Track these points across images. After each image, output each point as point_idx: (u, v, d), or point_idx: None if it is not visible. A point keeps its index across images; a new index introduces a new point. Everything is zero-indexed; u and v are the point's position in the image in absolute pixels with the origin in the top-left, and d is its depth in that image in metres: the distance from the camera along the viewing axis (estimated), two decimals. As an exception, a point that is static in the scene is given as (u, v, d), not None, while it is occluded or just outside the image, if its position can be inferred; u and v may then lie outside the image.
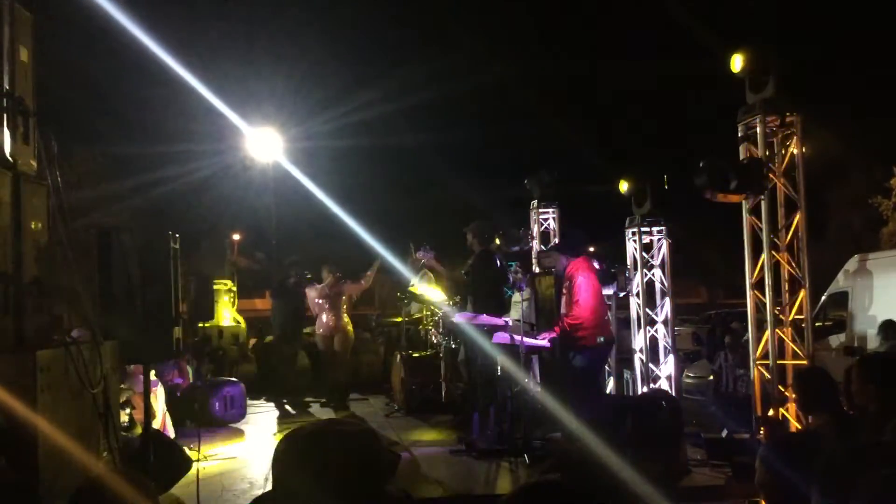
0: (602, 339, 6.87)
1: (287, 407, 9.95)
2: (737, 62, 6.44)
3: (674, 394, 8.16)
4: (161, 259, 4.90)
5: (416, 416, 8.96)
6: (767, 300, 6.40)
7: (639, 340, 8.88)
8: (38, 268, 4.03)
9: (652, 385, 8.54)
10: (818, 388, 3.86)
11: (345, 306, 10.29)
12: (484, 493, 5.70)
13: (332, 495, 1.62)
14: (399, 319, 10.39)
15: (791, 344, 6.41)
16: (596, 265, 7.50)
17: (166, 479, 5.19)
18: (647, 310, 8.77)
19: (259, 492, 4.62)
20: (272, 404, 10.10)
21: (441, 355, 9.38)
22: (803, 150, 6.50)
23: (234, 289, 16.65)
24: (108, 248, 4.78)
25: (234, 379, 9.61)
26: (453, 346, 8.72)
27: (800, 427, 5.87)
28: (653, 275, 8.90)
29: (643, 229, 8.77)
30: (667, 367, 8.78)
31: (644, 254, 8.85)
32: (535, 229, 11.19)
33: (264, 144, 13.16)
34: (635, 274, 8.93)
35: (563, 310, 7.05)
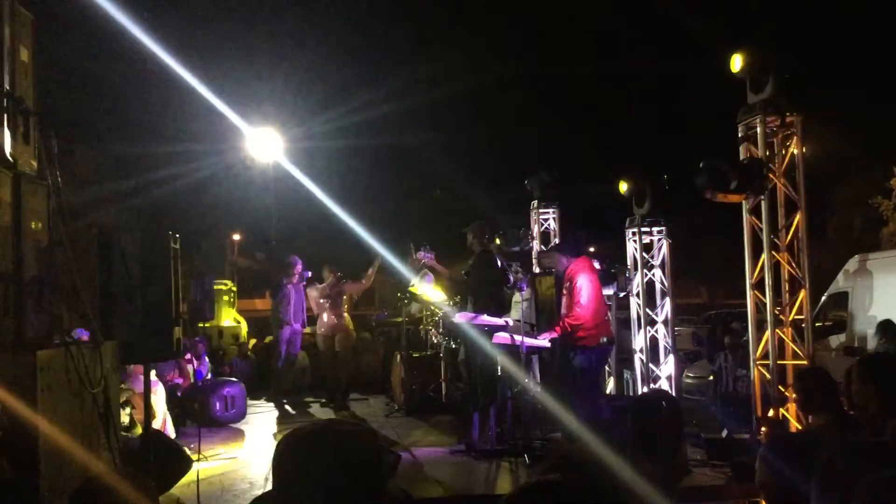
0: (604, 339, 6.88)
1: (287, 407, 9.96)
2: (736, 62, 6.45)
3: (674, 394, 8.17)
4: (161, 259, 4.90)
5: (416, 416, 8.96)
6: (767, 300, 6.40)
7: (639, 340, 8.88)
8: (38, 268, 4.03)
9: (652, 385, 8.54)
10: (818, 389, 3.86)
11: (346, 306, 10.31)
12: (484, 494, 5.70)
13: (332, 495, 1.63)
14: (399, 319, 10.39)
15: (791, 344, 6.41)
16: (596, 265, 7.50)
17: (166, 479, 5.20)
18: (648, 310, 8.77)
19: (259, 492, 4.61)
20: (272, 404, 10.10)
21: (441, 355, 9.38)
22: (803, 150, 6.50)
23: (234, 289, 16.67)
24: (108, 248, 4.79)
25: (234, 379, 9.63)
26: (453, 346, 8.72)
27: (800, 427, 5.88)
28: (653, 275, 8.90)
29: (643, 229, 8.77)
30: (667, 368, 8.78)
31: (644, 254, 8.85)
32: (536, 229, 11.19)
33: (264, 144, 13.18)
34: (635, 274, 8.93)
35: (563, 310, 7.05)
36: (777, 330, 6.39)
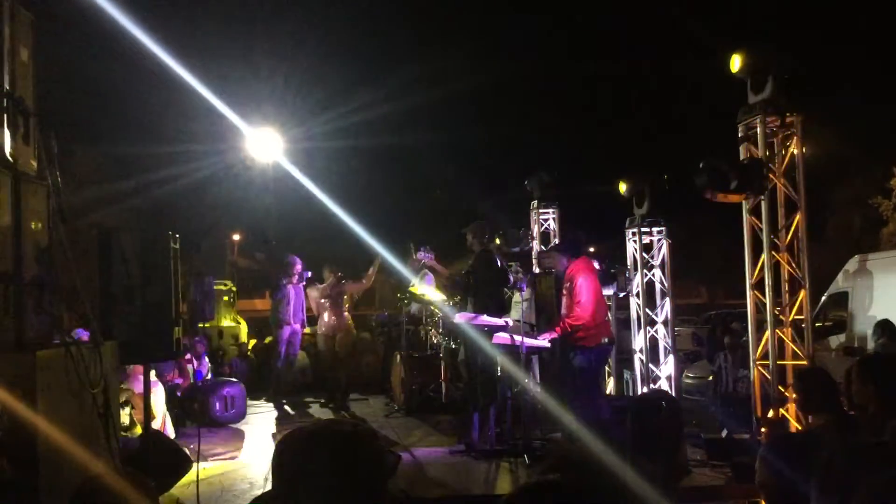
0: (604, 339, 6.88)
1: (287, 407, 9.96)
2: (736, 63, 6.45)
3: (674, 394, 8.16)
4: (161, 259, 4.90)
5: (415, 416, 8.96)
6: (767, 300, 6.40)
7: (639, 341, 8.88)
8: (38, 268, 4.02)
9: (652, 385, 8.54)
10: (818, 389, 3.86)
11: (346, 306, 10.30)
12: (483, 494, 5.70)
13: (331, 496, 1.63)
14: (402, 305, 10.33)
15: (791, 344, 6.41)
16: (596, 265, 7.50)
17: (166, 479, 5.19)
18: (647, 310, 8.77)
19: (259, 492, 4.61)
20: (272, 404, 10.10)
21: (441, 355, 9.38)
22: (803, 150, 6.51)
23: (234, 289, 16.66)
24: (108, 248, 4.79)
25: (233, 379, 9.63)
26: (453, 346, 8.72)
27: (799, 427, 5.88)
28: (653, 275, 8.90)
29: (643, 229, 8.77)
30: (667, 368, 8.78)
31: (644, 254, 8.85)
32: (536, 230, 11.19)
33: (264, 145, 13.17)
34: (635, 274, 8.93)
35: (563, 310, 7.06)
36: (777, 330, 6.39)
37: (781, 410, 6.30)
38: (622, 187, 8.87)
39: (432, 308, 9.62)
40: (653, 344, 8.80)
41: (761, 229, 6.46)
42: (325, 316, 10.05)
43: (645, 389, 8.46)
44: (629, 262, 9.09)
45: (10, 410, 3.35)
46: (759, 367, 6.49)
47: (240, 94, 15.77)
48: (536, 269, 9.98)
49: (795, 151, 6.45)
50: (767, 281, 6.40)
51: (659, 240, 8.86)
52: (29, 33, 4.18)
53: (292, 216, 19.92)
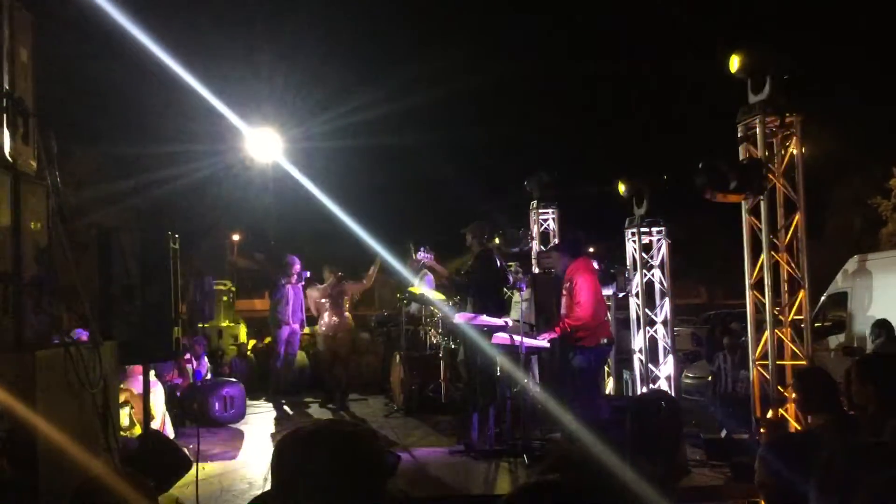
0: (603, 340, 6.88)
1: (286, 407, 9.95)
2: (734, 63, 6.45)
3: (673, 394, 8.16)
4: (160, 259, 4.90)
5: (415, 416, 8.96)
6: (767, 301, 6.40)
7: (638, 341, 8.88)
8: (37, 268, 4.02)
9: (651, 385, 8.54)
10: (818, 389, 3.86)
11: (346, 305, 10.30)
12: (483, 494, 5.70)
13: (331, 496, 1.63)
14: (401, 306, 10.33)
15: (790, 344, 6.42)
16: (595, 266, 7.50)
17: (165, 479, 5.19)
18: (647, 310, 8.77)
19: (258, 492, 4.61)
20: (271, 405, 10.10)
21: (440, 355, 9.38)
22: (803, 150, 6.51)
23: (234, 289, 16.67)
24: (107, 248, 4.79)
25: (233, 379, 9.63)
26: (453, 346, 8.72)
27: (799, 427, 5.88)
28: (652, 275, 8.90)
29: (643, 230, 8.77)
30: (666, 368, 8.78)
31: (643, 254, 8.85)
32: (535, 230, 11.19)
33: (264, 145, 13.17)
34: (635, 274, 8.93)
35: (563, 310, 7.06)
36: (776, 330, 6.39)
37: (781, 410, 6.30)
38: (621, 188, 8.87)
39: (432, 308, 9.61)
40: (652, 344, 8.81)
41: (760, 229, 6.47)
42: (326, 316, 10.05)
43: (644, 389, 8.46)
44: (628, 262, 9.10)
45: (10, 410, 3.35)
46: (759, 368, 6.50)
47: (239, 94, 15.78)
48: (536, 269, 9.99)
49: (795, 151, 6.46)
50: (767, 281, 6.41)
51: (658, 240, 8.86)
52: (29, 33, 4.18)
53: (292, 216, 19.93)
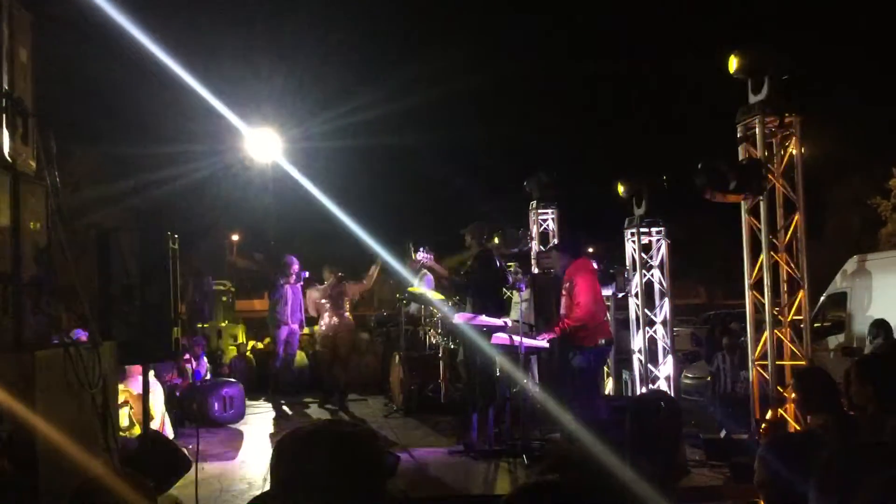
0: (602, 340, 6.88)
1: (285, 408, 9.95)
2: (733, 64, 6.45)
3: (672, 394, 8.17)
4: (160, 259, 4.89)
5: (414, 416, 8.96)
6: (766, 301, 6.41)
7: (637, 341, 8.88)
8: (36, 268, 4.02)
9: (651, 386, 8.54)
10: (818, 389, 3.86)
11: (347, 306, 10.30)
12: (482, 494, 5.70)
13: (330, 496, 1.62)
14: (401, 306, 10.33)
15: (790, 344, 6.42)
16: (595, 266, 7.50)
17: (165, 479, 5.18)
18: (646, 310, 8.77)
19: (257, 492, 4.61)
20: (270, 405, 10.09)
21: (440, 356, 9.37)
22: (802, 150, 6.51)
23: (233, 290, 16.66)
24: (106, 249, 4.79)
25: (232, 379, 9.62)
26: (452, 346, 8.72)
27: (798, 428, 5.88)
28: (652, 275, 8.90)
29: (642, 230, 8.77)
30: (665, 368, 8.79)
31: (643, 254, 8.85)
32: (534, 230, 11.19)
33: (263, 145, 13.17)
34: (634, 274, 8.93)
35: (563, 311, 7.06)
36: (776, 330, 6.39)
37: (780, 411, 6.30)
38: (620, 188, 8.87)
39: (431, 308, 9.61)
40: (651, 344, 8.81)
41: (760, 230, 6.47)
42: (326, 316, 10.04)
43: (644, 390, 8.47)
44: (628, 262, 9.10)
45: (10, 411, 3.35)
46: (758, 368, 6.50)
47: (239, 94, 15.78)
48: (535, 270, 9.98)
49: (794, 152, 6.46)
50: (766, 281, 6.41)
51: (658, 240, 8.86)
52: (28, 33, 4.18)
53: (291, 216, 19.93)
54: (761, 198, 6.44)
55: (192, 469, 5.45)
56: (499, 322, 7.02)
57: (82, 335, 4.70)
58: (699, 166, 6.36)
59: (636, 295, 8.89)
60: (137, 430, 5.96)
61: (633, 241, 8.88)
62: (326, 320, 10.02)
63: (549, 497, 1.36)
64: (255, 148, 13.44)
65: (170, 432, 7.13)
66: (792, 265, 6.49)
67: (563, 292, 7.09)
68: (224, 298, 15.26)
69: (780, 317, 6.46)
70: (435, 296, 9.05)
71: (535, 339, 7.07)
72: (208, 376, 9.87)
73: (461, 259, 8.18)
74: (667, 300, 8.84)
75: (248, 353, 13.05)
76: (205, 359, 10.11)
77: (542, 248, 10.79)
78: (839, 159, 22.30)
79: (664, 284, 8.85)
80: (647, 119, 34.41)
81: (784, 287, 6.55)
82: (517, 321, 7.10)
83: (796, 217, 6.47)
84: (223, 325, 14.64)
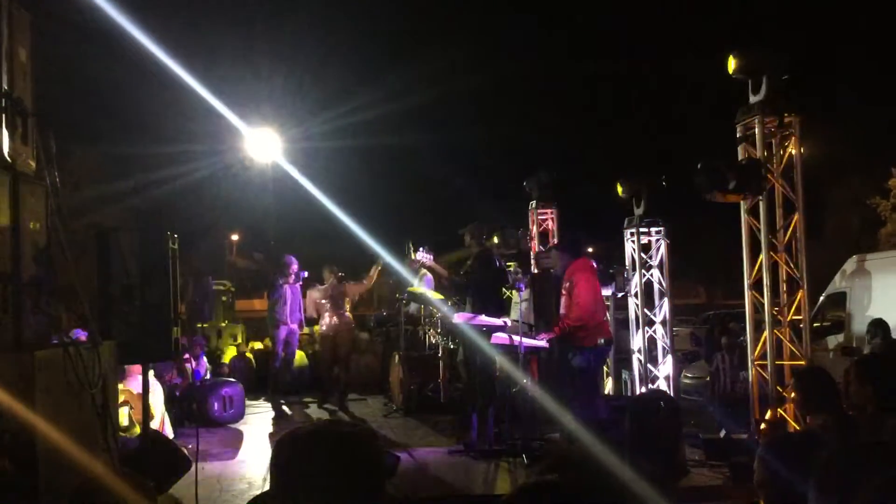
0: (602, 340, 6.88)
1: (285, 407, 9.95)
2: (731, 64, 6.46)
3: (672, 394, 8.17)
4: (160, 259, 4.89)
5: (414, 416, 8.96)
6: (766, 301, 6.41)
7: (637, 341, 8.88)
8: (36, 268, 4.02)
9: (650, 385, 8.55)
10: (817, 389, 3.86)
11: (347, 306, 10.30)
12: (482, 494, 5.70)
13: (330, 496, 1.62)
14: (400, 306, 10.32)
15: (789, 344, 6.42)
16: (594, 265, 7.50)
17: (164, 479, 5.18)
18: (646, 310, 8.77)
19: (257, 492, 4.61)
20: (270, 405, 10.09)
21: (440, 355, 9.38)
22: (801, 150, 6.51)
23: (233, 290, 16.66)
24: (106, 248, 4.78)
25: (232, 379, 9.63)
26: (452, 346, 8.72)
27: (798, 427, 5.88)
28: (651, 275, 8.90)
29: (642, 230, 8.78)
30: (665, 368, 8.79)
31: (643, 254, 8.85)
32: (534, 230, 11.19)
33: (263, 145, 13.18)
34: (634, 274, 8.93)
35: (563, 310, 7.06)
36: (775, 330, 6.40)
37: (780, 411, 6.30)
38: (620, 188, 8.87)
39: (431, 308, 9.61)
40: (651, 344, 8.81)
41: (759, 229, 6.47)
42: (326, 316, 10.05)
43: (643, 389, 8.47)
44: (627, 262, 9.10)
45: (10, 411, 3.35)
46: (757, 368, 6.50)
47: (239, 94, 15.80)
48: (535, 270, 9.98)
49: (794, 152, 6.46)
50: (766, 281, 6.41)
51: (657, 240, 8.87)
52: (27, 33, 4.18)
53: (291, 216, 19.93)
54: (761, 198, 6.44)
55: (192, 469, 5.46)
56: (498, 322, 7.02)
57: (82, 335, 4.70)
58: (699, 166, 6.37)
59: (636, 295, 8.89)
60: (137, 430, 5.96)
61: (633, 241, 8.88)
62: (326, 320, 10.02)
63: (549, 497, 1.36)
64: (255, 148, 13.45)
65: (170, 432, 7.13)
66: (791, 265, 6.49)
67: (563, 292, 7.09)
68: (224, 298, 15.26)
69: (779, 317, 6.46)
70: (435, 296, 9.05)
71: (534, 338, 7.07)
72: (208, 376, 9.87)
73: (459, 256, 8.17)
74: (666, 300, 8.85)
75: (247, 353, 13.05)
76: (204, 359, 10.11)
77: (541, 247, 10.78)
78: (838, 159, 22.31)
79: (663, 284, 8.86)
80: (647, 119, 34.45)
81: (783, 287, 6.55)
82: (517, 321, 7.10)
83: (796, 217, 6.47)
84: (223, 325, 14.64)
